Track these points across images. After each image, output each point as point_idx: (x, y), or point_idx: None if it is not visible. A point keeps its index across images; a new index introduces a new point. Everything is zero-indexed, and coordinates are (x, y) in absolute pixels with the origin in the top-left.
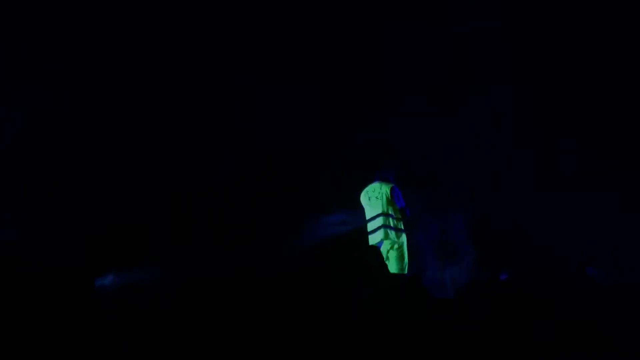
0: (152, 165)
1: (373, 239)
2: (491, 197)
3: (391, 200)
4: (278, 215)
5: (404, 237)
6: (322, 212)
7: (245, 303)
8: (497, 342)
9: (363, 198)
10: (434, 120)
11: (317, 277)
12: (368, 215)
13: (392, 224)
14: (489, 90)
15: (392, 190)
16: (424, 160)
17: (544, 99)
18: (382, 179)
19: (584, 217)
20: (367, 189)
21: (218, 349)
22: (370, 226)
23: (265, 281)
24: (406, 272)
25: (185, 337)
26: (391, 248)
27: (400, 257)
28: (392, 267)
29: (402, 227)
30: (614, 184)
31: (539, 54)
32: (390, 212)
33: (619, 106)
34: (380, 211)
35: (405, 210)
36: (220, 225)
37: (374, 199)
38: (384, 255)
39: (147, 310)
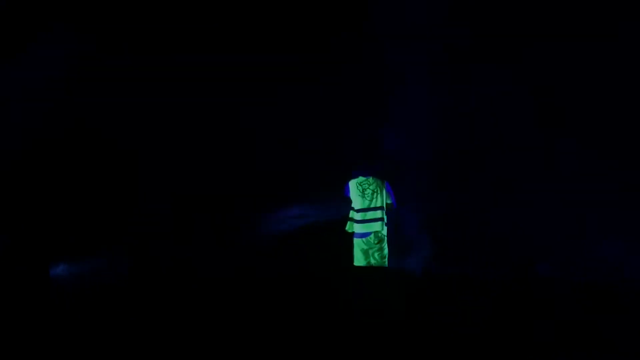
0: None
1: (366, 228)
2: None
3: (387, 195)
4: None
5: (386, 231)
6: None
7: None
8: (497, 342)
9: (354, 189)
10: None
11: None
12: (360, 205)
13: (385, 219)
14: (488, 90)
15: (386, 185)
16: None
17: (544, 99)
18: (375, 174)
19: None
20: (358, 180)
21: (217, 348)
22: (365, 215)
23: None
24: (387, 265)
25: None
26: (378, 242)
27: (382, 252)
28: (375, 261)
29: (387, 221)
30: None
31: (539, 53)
32: (384, 207)
33: (619, 106)
34: (380, 204)
35: (393, 203)
36: (220, 225)
37: (369, 191)
38: (362, 248)
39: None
